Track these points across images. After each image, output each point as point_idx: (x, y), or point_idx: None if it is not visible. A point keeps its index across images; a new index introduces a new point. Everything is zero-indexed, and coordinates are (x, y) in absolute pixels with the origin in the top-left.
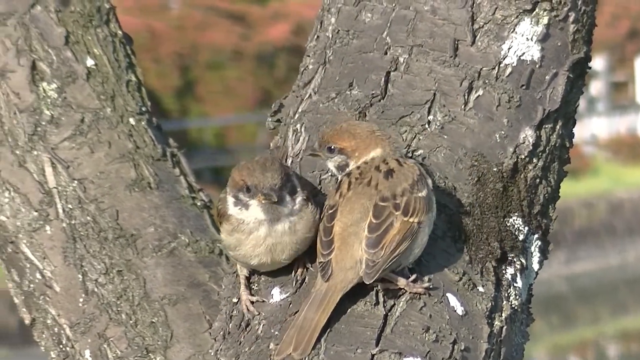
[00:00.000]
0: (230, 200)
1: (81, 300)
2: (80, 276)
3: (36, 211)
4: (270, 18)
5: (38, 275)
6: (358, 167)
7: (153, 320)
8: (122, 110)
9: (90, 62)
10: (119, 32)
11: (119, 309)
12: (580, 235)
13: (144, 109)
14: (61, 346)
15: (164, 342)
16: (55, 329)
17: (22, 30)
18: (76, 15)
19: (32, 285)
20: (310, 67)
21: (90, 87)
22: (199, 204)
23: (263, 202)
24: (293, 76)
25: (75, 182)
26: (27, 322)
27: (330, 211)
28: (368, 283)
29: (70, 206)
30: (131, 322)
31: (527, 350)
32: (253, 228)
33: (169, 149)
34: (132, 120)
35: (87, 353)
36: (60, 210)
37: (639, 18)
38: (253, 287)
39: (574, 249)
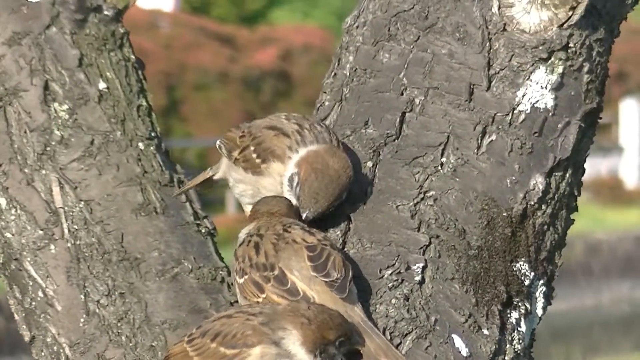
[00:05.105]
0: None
1: (82, 320)
2: (82, 296)
3: (42, 230)
4: (258, 42)
5: (40, 294)
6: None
7: (153, 344)
8: (131, 134)
9: (102, 85)
10: (132, 56)
11: (119, 330)
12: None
13: (153, 134)
14: None
15: None
16: (55, 348)
17: (36, 50)
18: (91, 38)
19: (33, 303)
20: (327, 103)
21: (101, 109)
22: (203, 230)
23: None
24: (278, 101)
25: (82, 203)
26: (26, 339)
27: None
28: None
29: (76, 227)
30: (131, 344)
31: None
32: None
33: (176, 175)
34: (141, 145)
35: None
36: (66, 230)
37: (625, 60)
38: None
39: None
